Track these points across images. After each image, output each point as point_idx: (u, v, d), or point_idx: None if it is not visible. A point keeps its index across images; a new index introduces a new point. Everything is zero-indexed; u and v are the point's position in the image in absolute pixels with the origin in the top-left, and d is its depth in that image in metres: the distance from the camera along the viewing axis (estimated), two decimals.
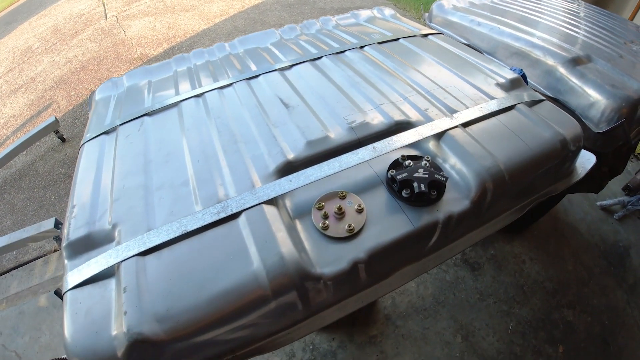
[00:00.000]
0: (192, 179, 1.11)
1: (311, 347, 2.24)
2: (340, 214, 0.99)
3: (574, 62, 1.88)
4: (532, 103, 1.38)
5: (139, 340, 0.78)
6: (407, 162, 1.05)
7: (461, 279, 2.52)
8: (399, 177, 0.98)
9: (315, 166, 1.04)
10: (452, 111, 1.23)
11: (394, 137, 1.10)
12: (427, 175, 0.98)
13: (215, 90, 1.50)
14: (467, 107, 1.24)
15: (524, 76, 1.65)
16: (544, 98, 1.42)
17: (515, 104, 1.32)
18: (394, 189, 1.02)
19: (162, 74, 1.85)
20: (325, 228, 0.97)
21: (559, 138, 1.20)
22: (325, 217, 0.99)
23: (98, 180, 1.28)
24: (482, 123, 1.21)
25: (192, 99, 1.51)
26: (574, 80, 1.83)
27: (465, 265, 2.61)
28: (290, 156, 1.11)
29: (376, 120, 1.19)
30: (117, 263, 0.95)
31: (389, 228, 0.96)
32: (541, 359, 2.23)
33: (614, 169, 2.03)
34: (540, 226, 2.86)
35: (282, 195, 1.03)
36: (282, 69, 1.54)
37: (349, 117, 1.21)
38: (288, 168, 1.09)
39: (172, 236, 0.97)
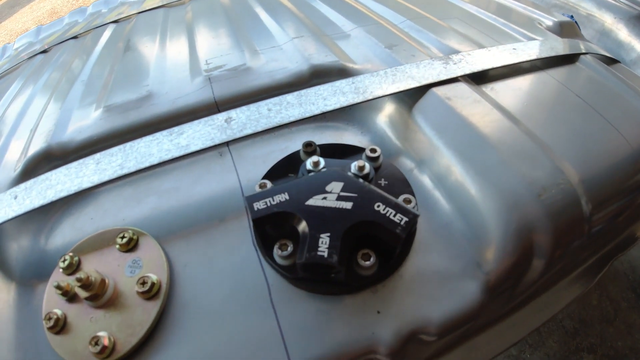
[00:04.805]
0: None
1: None
2: (92, 296, 0.30)
3: None
4: (602, 61, 0.63)
5: None
6: (311, 161, 0.34)
7: None
8: (259, 204, 0.28)
9: (69, 165, 0.35)
10: (451, 51, 0.49)
11: (293, 95, 0.38)
12: (350, 205, 0.27)
13: (60, 45, 0.83)
14: (484, 47, 0.51)
15: (576, 24, 0.90)
16: (614, 58, 0.67)
17: (578, 54, 0.57)
18: (259, 239, 0.32)
19: (50, 30, 1.19)
20: (56, 329, 0.29)
21: None
22: (68, 297, 0.31)
23: None
24: (516, 79, 0.47)
25: (37, 55, 0.84)
26: None
27: None
28: (55, 141, 0.43)
29: (270, 64, 0.46)
30: None
31: (215, 356, 0.27)
32: None
33: None
34: None
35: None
36: (171, 5, 0.83)
37: (215, 60, 0.49)
38: (46, 168, 0.41)
39: None
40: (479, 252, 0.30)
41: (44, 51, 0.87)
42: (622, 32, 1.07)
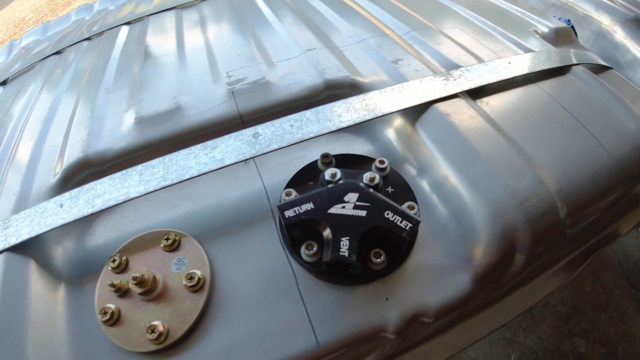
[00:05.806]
0: None
1: None
2: (146, 291, 0.36)
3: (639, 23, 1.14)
4: (594, 69, 0.69)
5: None
6: (329, 172, 0.40)
7: None
8: (289, 212, 0.34)
9: (112, 176, 0.41)
10: (451, 66, 0.55)
11: (312, 112, 0.44)
12: (364, 213, 0.34)
13: (74, 46, 0.87)
14: (482, 62, 0.57)
15: (573, 29, 0.94)
16: (607, 65, 0.73)
17: (570, 65, 0.63)
18: (286, 238, 0.38)
19: (58, 28, 1.22)
20: (111, 322, 0.35)
21: None
22: (121, 293, 0.37)
23: None
24: (509, 93, 0.53)
25: (51, 56, 0.88)
26: None
27: None
28: (91, 151, 0.48)
29: (287, 78, 0.52)
30: None
31: (254, 337, 0.34)
32: None
33: None
34: None
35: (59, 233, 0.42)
36: (182, 7, 0.87)
37: (236, 72, 0.55)
38: (82, 176, 0.47)
39: None
40: (470, 249, 0.37)
41: (57, 52, 0.90)
42: (618, 34, 1.12)
